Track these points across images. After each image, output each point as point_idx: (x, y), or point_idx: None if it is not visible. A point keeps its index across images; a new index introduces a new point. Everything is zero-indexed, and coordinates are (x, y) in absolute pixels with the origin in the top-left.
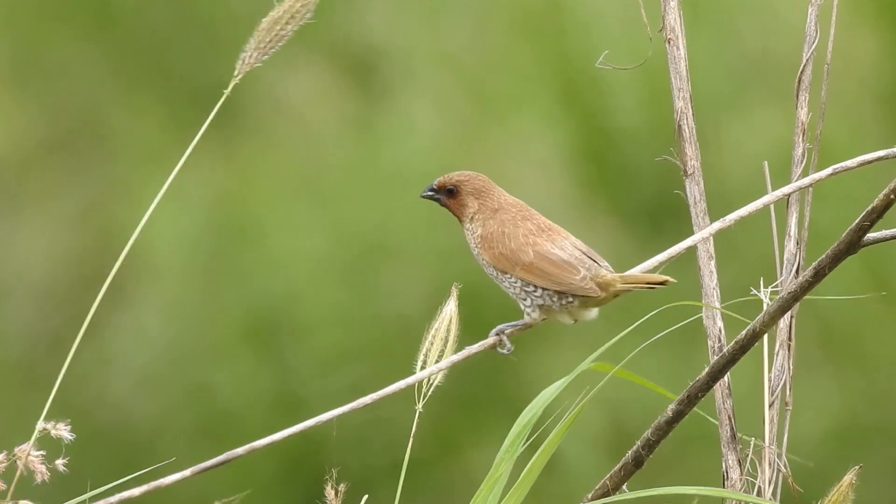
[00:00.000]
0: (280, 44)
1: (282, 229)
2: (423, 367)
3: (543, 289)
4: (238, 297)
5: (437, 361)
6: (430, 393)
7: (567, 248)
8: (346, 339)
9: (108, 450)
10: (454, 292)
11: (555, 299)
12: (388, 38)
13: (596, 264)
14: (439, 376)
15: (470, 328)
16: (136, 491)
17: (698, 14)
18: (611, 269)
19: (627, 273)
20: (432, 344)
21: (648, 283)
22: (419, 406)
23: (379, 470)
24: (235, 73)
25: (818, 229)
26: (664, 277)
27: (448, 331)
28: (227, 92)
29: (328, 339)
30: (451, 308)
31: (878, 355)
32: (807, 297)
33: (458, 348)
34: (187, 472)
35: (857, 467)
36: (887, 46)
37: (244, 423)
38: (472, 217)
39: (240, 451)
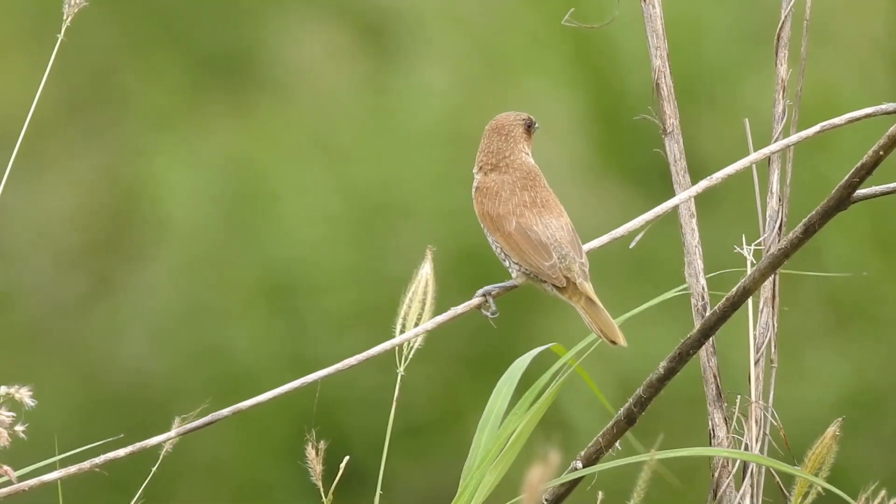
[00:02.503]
0: None
1: (295, 191)
2: (402, 331)
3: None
4: (252, 258)
5: (416, 324)
6: (411, 356)
7: (550, 230)
8: (359, 299)
9: (123, 411)
10: (429, 255)
11: (529, 274)
12: (401, 0)
13: (574, 257)
14: (419, 339)
15: (474, 287)
16: (120, 452)
17: None
18: (586, 268)
19: (598, 304)
20: (410, 307)
21: (601, 331)
22: (401, 370)
23: (391, 432)
24: None
25: (807, 185)
26: (619, 339)
27: (425, 293)
28: None
29: (341, 300)
30: (426, 270)
31: (887, 319)
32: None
33: (443, 309)
34: (172, 434)
35: (839, 419)
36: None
37: (259, 384)
38: (497, 161)
39: (225, 412)
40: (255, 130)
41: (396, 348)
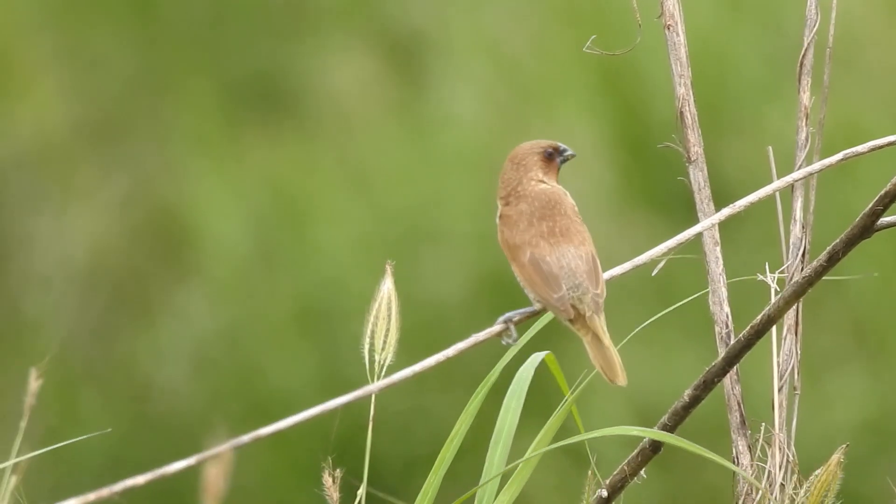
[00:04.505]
0: None
1: (328, 215)
2: (371, 348)
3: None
4: (286, 282)
5: (384, 342)
6: (382, 374)
7: (565, 259)
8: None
9: (160, 435)
10: (388, 270)
11: (539, 305)
12: (431, 26)
13: (588, 288)
14: (388, 358)
15: (504, 313)
16: (139, 479)
17: (741, 2)
18: (600, 299)
19: (604, 341)
20: (376, 325)
21: (601, 368)
22: (375, 388)
23: (420, 458)
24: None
25: (830, 214)
26: (618, 379)
27: (389, 309)
28: None
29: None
30: (387, 286)
31: None
32: (826, 284)
33: (466, 335)
34: (192, 461)
35: (844, 446)
36: None
37: (296, 406)
38: (510, 191)
39: (245, 438)
40: (288, 155)
41: (368, 367)
